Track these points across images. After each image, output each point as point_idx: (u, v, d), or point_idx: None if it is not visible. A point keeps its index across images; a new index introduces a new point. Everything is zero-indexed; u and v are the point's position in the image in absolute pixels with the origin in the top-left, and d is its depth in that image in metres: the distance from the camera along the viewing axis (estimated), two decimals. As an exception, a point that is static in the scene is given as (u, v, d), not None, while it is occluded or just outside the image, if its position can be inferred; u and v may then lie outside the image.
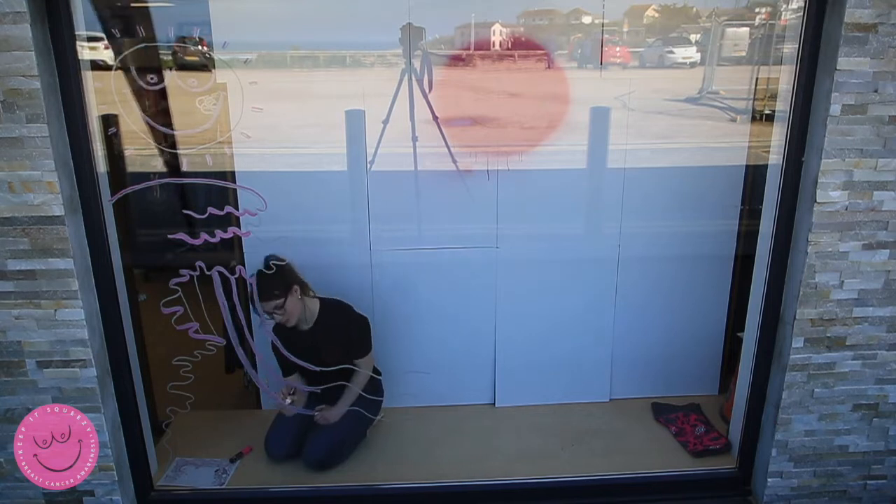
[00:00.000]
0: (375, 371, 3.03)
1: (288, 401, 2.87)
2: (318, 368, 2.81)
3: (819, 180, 2.31)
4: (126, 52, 2.37)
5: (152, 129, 2.54)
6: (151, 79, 2.38)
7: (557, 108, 3.02)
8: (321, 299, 2.90)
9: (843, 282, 2.44)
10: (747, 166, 3.07)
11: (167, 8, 2.70)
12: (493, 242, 3.12)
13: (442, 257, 3.12)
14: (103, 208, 2.38)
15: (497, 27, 2.91)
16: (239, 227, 2.71)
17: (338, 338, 2.88)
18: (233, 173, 2.82)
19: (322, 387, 2.87)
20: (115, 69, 2.33)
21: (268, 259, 2.74)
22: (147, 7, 2.60)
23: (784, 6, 2.79)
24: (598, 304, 3.25)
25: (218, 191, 2.71)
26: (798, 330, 2.49)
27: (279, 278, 2.73)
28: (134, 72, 2.37)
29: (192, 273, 2.52)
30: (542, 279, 3.19)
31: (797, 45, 2.31)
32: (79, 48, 2.18)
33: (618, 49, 3.00)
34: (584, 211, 3.19)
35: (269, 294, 2.71)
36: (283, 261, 2.77)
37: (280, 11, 2.77)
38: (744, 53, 3.19)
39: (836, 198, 2.34)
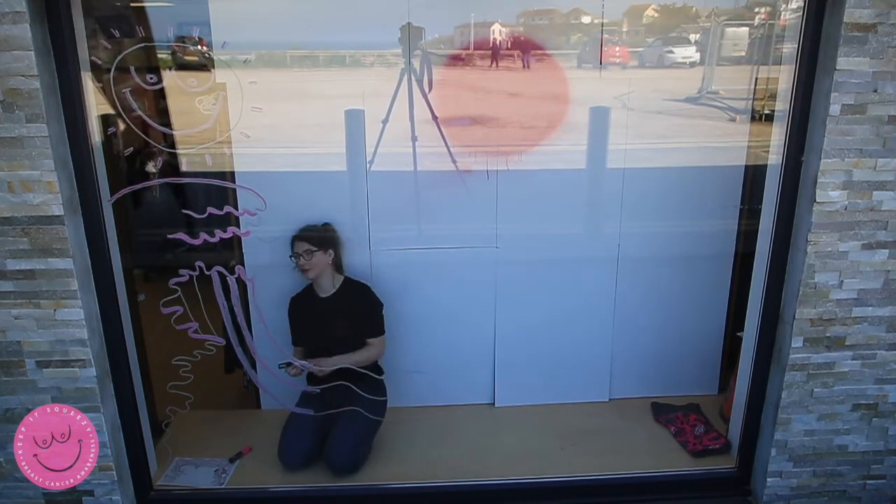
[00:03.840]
0: (377, 371, 3.03)
1: (292, 371, 2.88)
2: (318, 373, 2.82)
3: (818, 180, 2.31)
4: (125, 52, 2.37)
5: (151, 128, 2.53)
6: (151, 78, 2.38)
7: (557, 108, 3.02)
8: (346, 277, 2.99)
9: (842, 281, 2.44)
10: (747, 166, 3.07)
11: (167, 8, 2.70)
12: (492, 242, 3.12)
13: (442, 257, 3.12)
14: (103, 208, 2.38)
15: (497, 27, 2.91)
16: (238, 227, 2.71)
17: (353, 312, 2.94)
18: (232, 173, 2.82)
19: (323, 386, 2.87)
20: (114, 69, 2.33)
21: (323, 223, 2.98)
22: (146, 7, 2.60)
23: (783, 6, 2.79)
24: (597, 303, 3.25)
25: (217, 191, 2.71)
26: (797, 329, 2.49)
27: (323, 235, 2.93)
28: (133, 71, 2.37)
29: (191, 273, 2.52)
30: (542, 279, 3.19)
31: (796, 45, 2.31)
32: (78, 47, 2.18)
33: (617, 49, 3.00)
34: (584, 211, 3.19)
35: (308, 238, 2.87)
36: (333, 229, 2.99)
37: (280, 11, 2.77)
38: (743, 53, 3.18)
39: (835, 197, 2.34)
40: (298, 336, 3.00)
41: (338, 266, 2.98)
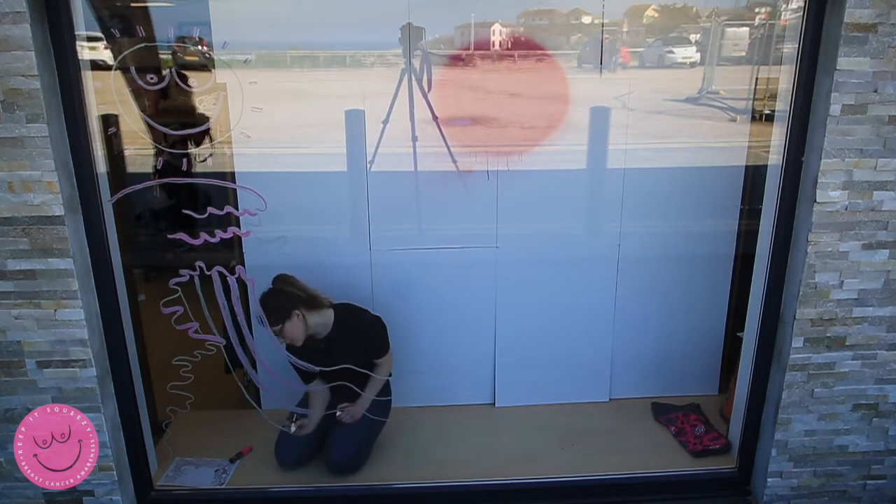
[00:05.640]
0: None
1: (293, 428, 2.88)
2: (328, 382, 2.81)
3: (819, 180, 2.32)
4: (126, 52, 2.37)
5: (151, 128, 2.53)
6: (151, 78, 2.38)
7: (557, 108, 3.02)
8: (335, 307, 2.86)
9: (842, 281, 2.44)
10: (747, 166, 3.07)
11: (167, 8, 2.70)
12: (492, 242, 3.12)
13: (442, 257, 3.12)
14: (103, 208, 2.38)
15: (497, 27, 2.91)
16: (238, 227, 2.71)
17: (354, 343, 2.85)
18: (233, 173, 2.82)
19: (329, 385, 2.87)
20: (115, 69, 2.33)
21: (273, 281, 2.77)
22: (147, 7, 2.60)
23: (784, 6, 2.79)
24: (598, 303, 3.25)
25: (217, 191, 2.71)
26: (798, 330, 2.49)
27: (277, 305, 2.72)
28: (133, 71, 2.37)
29: (191, 273, 2.52)
30: (542, 279, 3.19)
31: (797, 45, 2.31)
32: (79, 48, 2.18)
33: (618, 49, 3.00)
34: (584, 211, 3.19)
35: (268, 319, 2.70)
36: (284, 283, 2.77)
37: (280, 11, 2.77)
38: (744, 53, 3.18)
39: (835, 198, 2.34)
40: (308, 378, 2.89)
41: (316, 307, 2.80)
